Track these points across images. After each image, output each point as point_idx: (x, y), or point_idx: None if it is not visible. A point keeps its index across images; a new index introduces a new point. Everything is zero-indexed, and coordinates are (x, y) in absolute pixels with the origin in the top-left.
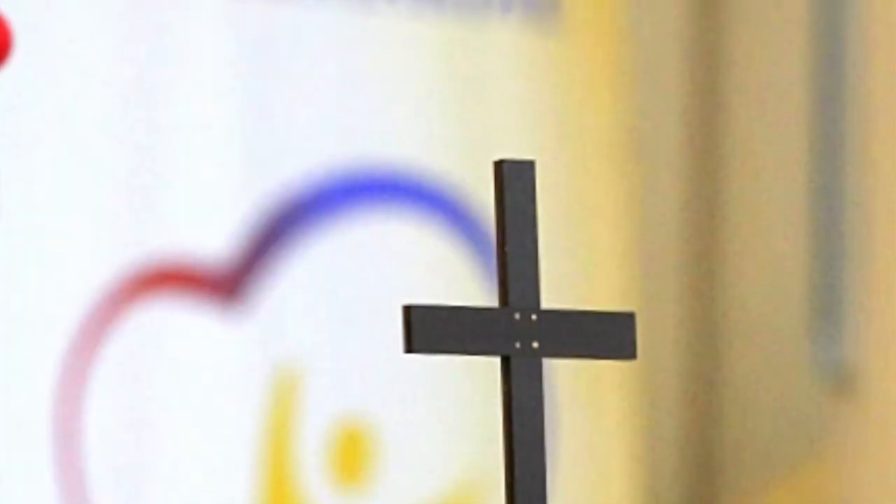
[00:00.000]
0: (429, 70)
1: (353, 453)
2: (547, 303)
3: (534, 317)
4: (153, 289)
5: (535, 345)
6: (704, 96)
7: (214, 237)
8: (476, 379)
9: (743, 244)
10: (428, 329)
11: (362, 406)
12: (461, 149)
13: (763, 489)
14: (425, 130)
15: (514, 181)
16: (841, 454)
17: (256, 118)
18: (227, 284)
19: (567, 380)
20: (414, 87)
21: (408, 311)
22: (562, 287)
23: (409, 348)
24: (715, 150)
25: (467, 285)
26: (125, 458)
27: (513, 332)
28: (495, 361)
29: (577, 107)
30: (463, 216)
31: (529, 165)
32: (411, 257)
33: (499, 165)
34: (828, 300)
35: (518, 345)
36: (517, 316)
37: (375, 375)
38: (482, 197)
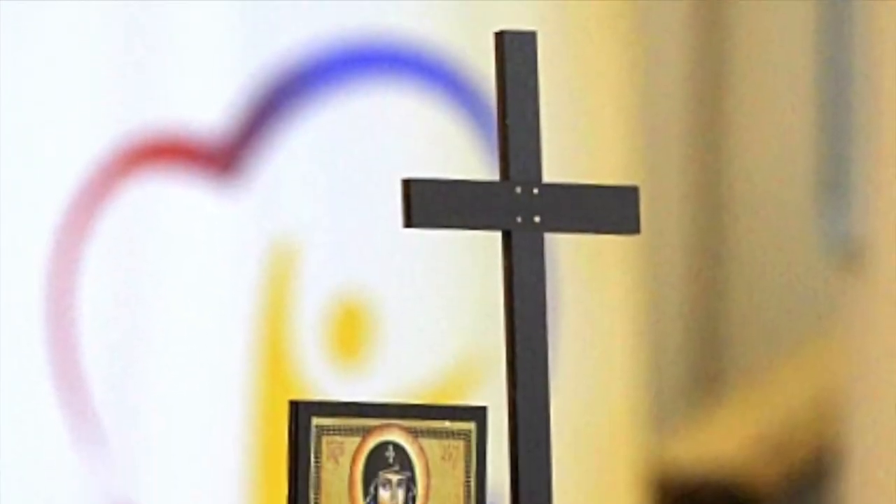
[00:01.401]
0: None
1: (350, 329)
2: (549, 176)
3: (535, 190)
4: (148, 162)
5: (537, 219)
6: None
7: (210, 109)
8: (476, 253)
9: (749, 116)
10: (427, 203)
11: (360, 281)
12: (462, 19)
13: (769, 365)
14: (425, 0)
15: (515, 52)
16: (848, 329)
17: None
18: (223, 157)
19: (569, 254)
20: None
21: (407, 184)
22: (564, 160)
23: (409, 223)
24: (720, 19)
25: (467, 158)
26: (119, 334)
27: (514, 206)
28: (496, 236)
29: None
30: (463, 88)
31: (531, 36)
32: (411, 130)
33: (499, 36)
34: (835, 173)
35: (519, 219)
36: (518, 190)
37: (374, 250)
38: (483, 68)
